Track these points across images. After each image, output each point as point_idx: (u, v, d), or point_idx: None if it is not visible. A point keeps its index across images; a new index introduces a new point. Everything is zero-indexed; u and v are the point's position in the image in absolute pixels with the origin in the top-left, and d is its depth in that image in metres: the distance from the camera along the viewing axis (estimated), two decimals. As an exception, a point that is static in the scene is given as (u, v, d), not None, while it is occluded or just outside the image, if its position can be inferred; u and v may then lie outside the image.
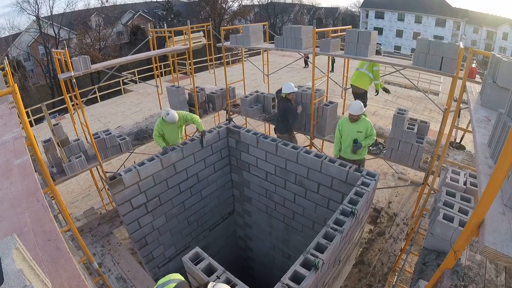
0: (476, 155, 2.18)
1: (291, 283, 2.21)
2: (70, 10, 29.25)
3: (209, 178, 4.92)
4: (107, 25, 31.06)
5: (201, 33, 12.04)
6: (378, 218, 4.98)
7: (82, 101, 5.41)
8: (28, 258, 1.22)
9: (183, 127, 5.08)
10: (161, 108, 8.43)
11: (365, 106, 5.68)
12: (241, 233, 5.98)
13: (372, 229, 4.98)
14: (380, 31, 39.84)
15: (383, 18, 41.47)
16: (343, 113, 7.81)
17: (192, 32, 8.79)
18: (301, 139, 9.61)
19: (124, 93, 15.65)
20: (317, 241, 2.57)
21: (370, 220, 5.10)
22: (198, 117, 4.84)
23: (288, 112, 5.61)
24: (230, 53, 17.83)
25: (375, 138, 4.75)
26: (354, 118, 4.59)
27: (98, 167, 5.80)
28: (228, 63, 17.51)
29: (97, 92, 13.43)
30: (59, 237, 1.74)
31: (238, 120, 9.35)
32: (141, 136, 6.51)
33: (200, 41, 11.46)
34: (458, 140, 5.97)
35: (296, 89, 5.68)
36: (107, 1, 32.42)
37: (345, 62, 7.25)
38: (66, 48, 5.05)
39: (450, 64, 4.41)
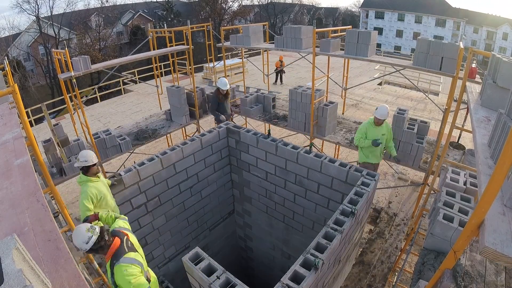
0: (476, 155, 2.18)
1: (291, 283, 2.21)
2: (70, 10, 29.28)
3: (209, 178, 4.92)
4: (107, 25, 31.06)
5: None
6: (378, 218, 4.98)
7: (82, 101, 5.41)
8: (28, 258, 1.22)
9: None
10: (161, 108, 8.42)
11: None
12: (241, 233, 5.98)
13: (372, 229, 4.98)
14: (380, 31, 39.84)
15: (383, 18, 41.46)
16: (343, 113, 7.82)
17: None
18: (301, 139, 9.62)
19: (124, 93, 15.65)
20: (317, 241, 2.56)
21: (370, 220, 5.10)
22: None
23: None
24: (230, 53, 17.83)
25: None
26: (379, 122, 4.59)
27: (98, 167, 5.80)
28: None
29: (97, 92, 13.44)
30: (59, 237, 1.74)
31: (238, 120, 9.35)
32: (141, 136, 6.51)
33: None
34: (460, 141, 5.97)
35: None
36: (107, 1, 32.44)
37: (345, 62, 7.25)
38: (66, 48, 5.05)
39: (450, 64, 4.41)
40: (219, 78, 6.47)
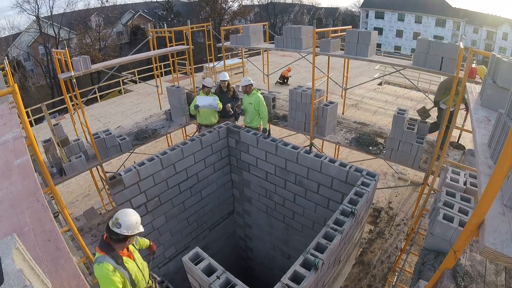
0: (476, 155, 2.18)
1: (291, 283, 2.21)
2: (70, 10, 29.30)
3: (209, 178, 4.92)
4: (107, 25, 31.08)
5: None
6: (378, 218, 4.98)
7: (82, 101, 5.41)
8: (28, 258, 1.22)
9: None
10: (161, 108, 8.42)
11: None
12: (241, 233, 5.98)
13: (372, 229, 4.98)
14: (380, 31, 39.83)
15: (383, 18, 41.46)
16: (343, 113, 7.82)
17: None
18: (301, 139, 9.62)
19: (124, 93, 15.65)
20: (317, 241, 2.56)
21: (370, 220, 5.10)
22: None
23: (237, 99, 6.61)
24: (230, 53, 17.82)
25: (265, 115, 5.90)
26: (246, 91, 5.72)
27: (98, 167, 5.80)
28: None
29: (97, 92, 13.44)
30: (59, 237, 1.74)
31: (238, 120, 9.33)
32: (141, 136, 6.51)
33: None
34: (460, 141, 5.97)
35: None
36: (107, 1, 32.46)
37: (345, 62, 7.26)
38: (66, 48, 5.05)
39: (450, 64, 4.42)
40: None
